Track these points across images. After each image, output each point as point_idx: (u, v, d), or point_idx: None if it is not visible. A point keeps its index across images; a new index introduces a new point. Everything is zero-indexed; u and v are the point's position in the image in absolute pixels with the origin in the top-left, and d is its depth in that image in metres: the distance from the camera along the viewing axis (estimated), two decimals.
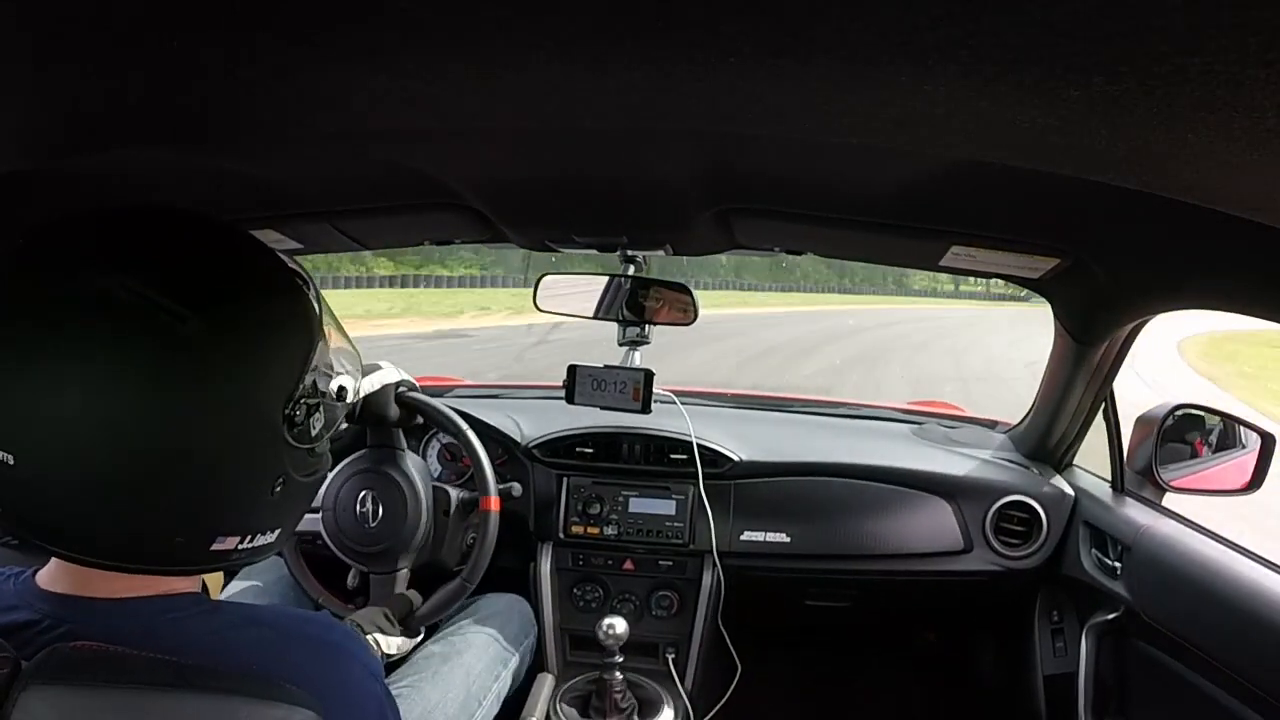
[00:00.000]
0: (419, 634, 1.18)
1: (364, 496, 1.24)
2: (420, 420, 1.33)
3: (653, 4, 0.39)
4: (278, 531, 0.58)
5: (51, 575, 0.55)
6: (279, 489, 0.55)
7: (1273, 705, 0.88)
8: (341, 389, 0.61)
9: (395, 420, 1.28)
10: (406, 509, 1.25)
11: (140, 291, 0.48)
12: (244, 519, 0.55)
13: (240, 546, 0.55)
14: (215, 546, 0.53)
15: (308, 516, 1.26)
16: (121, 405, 0.48)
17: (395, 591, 1.22)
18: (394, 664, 1.15)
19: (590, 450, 1.47)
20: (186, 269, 0.51)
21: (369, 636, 1.04)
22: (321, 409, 0.57)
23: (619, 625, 1.21)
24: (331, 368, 0.59)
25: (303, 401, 0.54)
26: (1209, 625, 0.97)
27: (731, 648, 1.43)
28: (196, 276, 0.51)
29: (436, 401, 1.30)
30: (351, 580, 1.30)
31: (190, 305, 0.49)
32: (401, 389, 1.29)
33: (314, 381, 0.56)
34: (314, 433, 0.57)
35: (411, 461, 1.30)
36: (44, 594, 0.54)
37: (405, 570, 1.25)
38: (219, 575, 1.01)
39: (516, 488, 1.43)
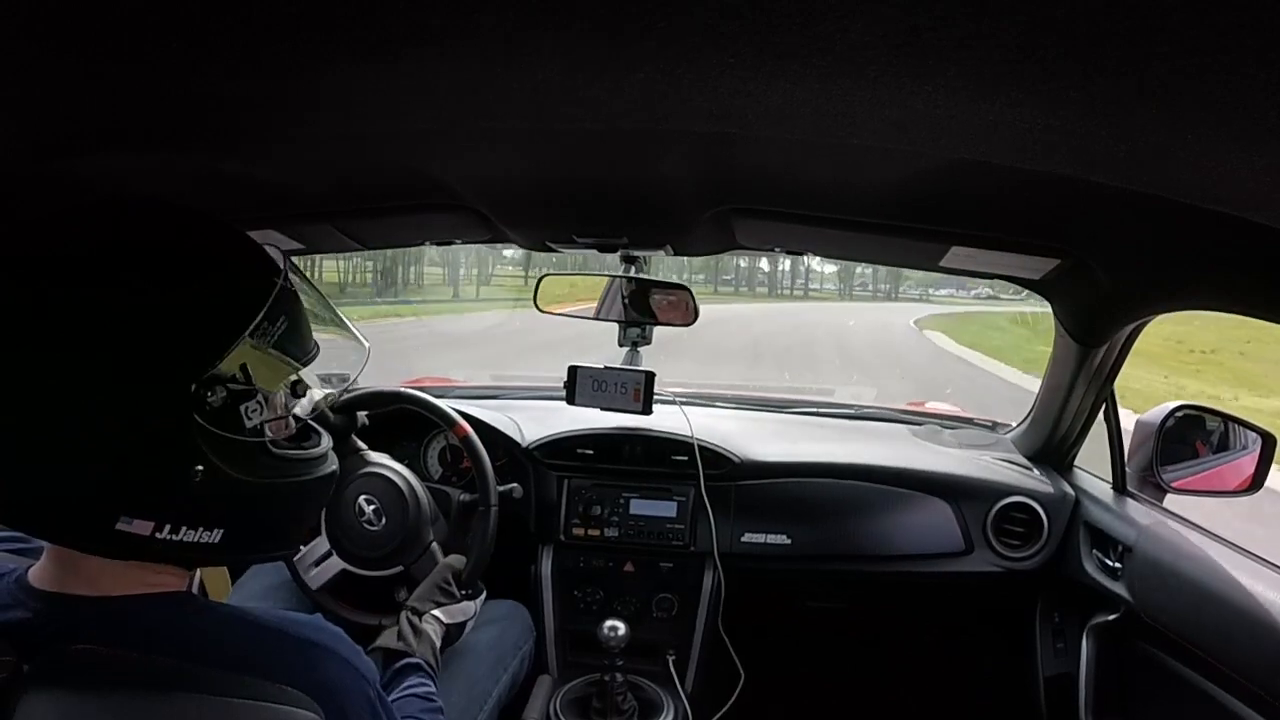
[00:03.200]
0: (481, 589, 1.17)
1: (358, 505, 1.23)
2: (365, 421, 1.32)
3: (654, 5, 0.39)
4: (220, 533, 0.54)
5: (40, 573, 0.55)
6: (200, 478, 0.51)
7: (1273, 705, 0.88)
8: (297, 383, 0.58)
9: (344, 428, 1.26)
10: (401, 492, 1.24)
11: (45, 262, 0.49)
12: (153, 503, 0.51)
13: (159, 535, 0.51)
14: (120, 526, 0.50)
15: (328, 562, 1.24)
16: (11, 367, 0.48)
17: (438, 564, 1.21)
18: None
19: (591, 452, 1.47)
20: (96, 241, 0.51)
21: (430, 614, 1.03)
22: (260, 401, 0.54)
23: (621, 627, 1.20)
24: (287, 363, 0.57)
25: (224, 386, 0.51)
26: (1210, 626, 0.97)
27: (732, 650, 1.43)
28: (105, 247, 0.50)
29: (364, 388, 1.29)
30: (399, 595, 1.28)
31: (86, 273, 0.49)
32: (329, 399, 1.28)
33: (244, 368, 0.52)
34: (248, 424, 0.53)
35: (376, 455, 1.29)
36: (35, 592, 0.54)
37: (434, 543, 1.24)
38: (225, 578, 0.99)
39: (517, 489, 1.43)
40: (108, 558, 0.53)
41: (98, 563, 0.53)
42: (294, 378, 0.58)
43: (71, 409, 0.48)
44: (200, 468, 0.51)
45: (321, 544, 1.24)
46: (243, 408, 0.53)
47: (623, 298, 1.37)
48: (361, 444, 1.28)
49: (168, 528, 0.52)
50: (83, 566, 0.54)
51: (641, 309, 1.38)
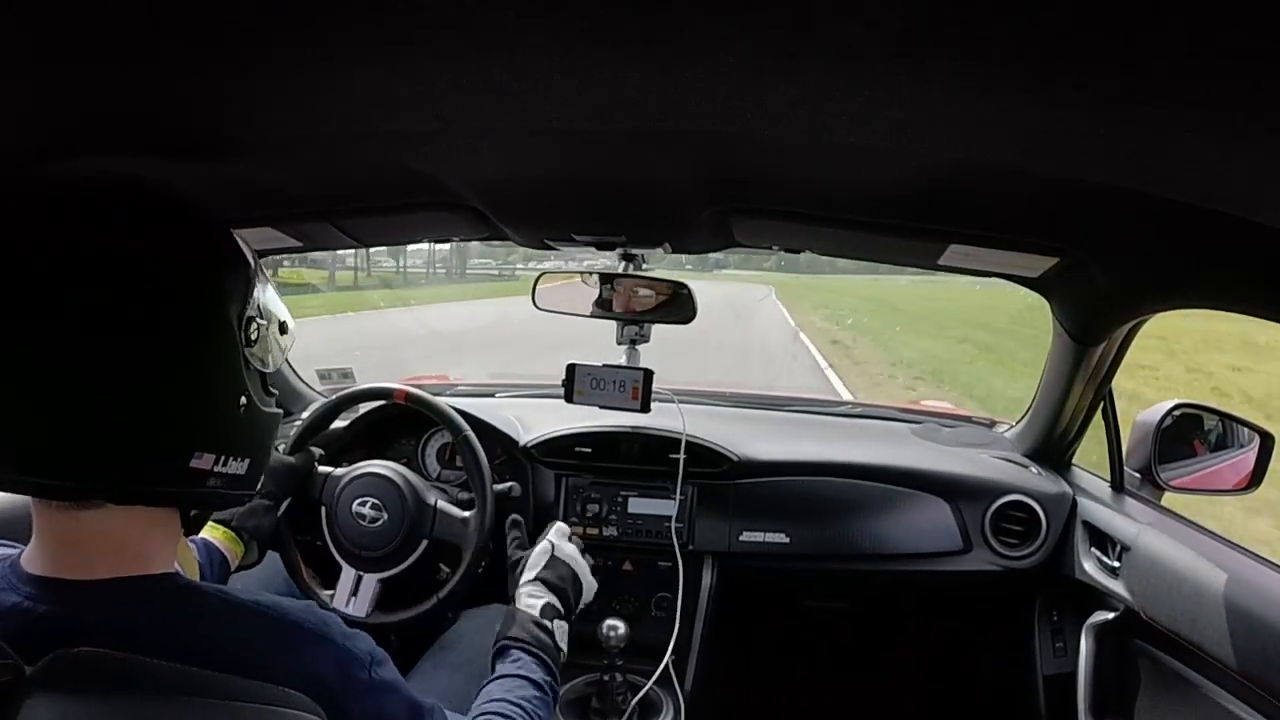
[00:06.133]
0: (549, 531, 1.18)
1: (355, 511, 1.23)
2: (320, 453, 1.31)
3: (652, 5, 0.39)
4: (248, 461, 0.62)
5: (31, 557, 0.56)
6: (244, 410, 0.60)
7: (1273, 704, 0.88)
8: (283, 323, 0.66)
9: (305, 466, 1.26)
10: (385, 478, 1.25)
11: (98, 254, 0.53)
12: (216, 435, 0.58)
13: (216, 469, 0.58)
14: (194, 463, 0.57)
15: (361, 588, 1.25)
16: (99, 346, 0.52)
17: (455, 519, 1.25)
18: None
19: (589, 450, 1.46)
20: (128, 226, 0.55)
21: (522, 589, 1.03)
22: (271, 336, 0.64)
23: (620, 626, 1.20)
24: (273, 307, 0.65)
25: (255, 322, 0.60)
26: (1208, 624, 0.97)
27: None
28: (140, 230, 0.55)
29: (297, 425, 1.30)
30: (441, 572, 1.30)
31: (156, 270, 0.54)
32: (282, 451, 1.27)
33: (260, 307, 0.61)
34: (265, 358, 0.63)
35: (342, 469, 1.29)
36: (27, 577, 0.55)
37: (440, 501, 1.27)
38: (193, 559, 0.99)
39: (515, 488, 1.43)
40: (172, 506, 0.60)
41: (95, 539, 0.55)
42: (281, 318, 0.66)
43: (157, 374, 0.54)
44: (244, 400, 0.60)
45: (346, 577, 1.24)
46: (263, 343, 0.62)
47: (620, 295, 1.37)
48: (325, 468, 1.28)
49: (222, 459, 0.59)
50: (80, 544, 0.55)
51: (639, 307, 1.38)
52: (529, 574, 1.04)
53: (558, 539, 1.09)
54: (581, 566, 1.07)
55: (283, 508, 1.21)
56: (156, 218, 0.56)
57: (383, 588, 1.24)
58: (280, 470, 1.21)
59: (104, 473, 0.54)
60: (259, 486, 0.66)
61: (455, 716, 0.74)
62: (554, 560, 1.06)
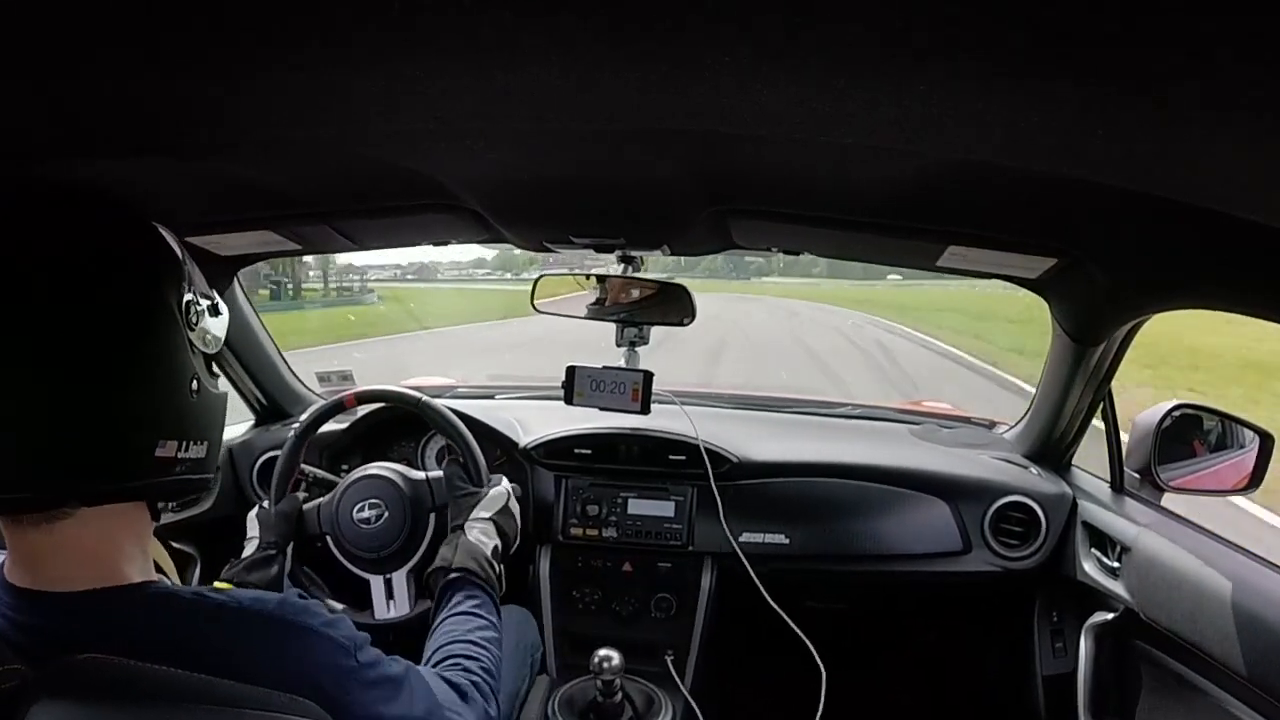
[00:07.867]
0: (494, 478, 1.20)
1: (355, 517, 1.23)
2: (305, 494, 1.31)
3: (651, 6, 0.39)
4: (206, 443, 0.63)
5: (9, 566, 0.56)
6: (196, 394, 0.60)
7: (1272, 705, 0.88)
8: (214, 304, 0.67)
9: (293, 509, 1.25)
10: (377, 476, 1.25)
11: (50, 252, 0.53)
12: (176, 422, 0.59)
13: (180, 455, 0.59)
14: (159, 453, 0.57)
15: (395, 589, 1.24)
16: (61, 336, 0.52)
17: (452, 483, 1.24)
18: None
19: (588, 452, 1.46)
20: (70, 226, 0.55)
21: (469, 522, 1.07)
22: (206, 320, 0.64)
23: (615, 657, 1.18)
24: (203, 289, 0.66)
25: (194, 306, 0.61)
26: (1208, 625, 0.97)
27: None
28: (77, 229, 0.56)
29: (278, 465, 1.30)
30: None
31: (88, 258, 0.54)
32: (267, 507, 1.26)
33: (195, 291, 0.62)
34: (206, 339, 0.64)
35: (330, 494, 1.29)
36: (10, 588, 0.55)
37: (429, 474, 1.28)
38: (168, 560, 0.99)
39: (515, 489, 1.43)
40: (141, 500, 0.60)
41: (71, 551, 0.55)
42: (208, 301, 0.66)
43: (123, 373, 0.55)
44: (195, 385, 0.60)
45: (376, 586, 1.24)
46: (203, 325, 0.63)
47: (619, 297, 1.37)
48: (311, 504, 1.28)
49: (184, 444, 0.59)
50: (57, 557, 0.55)
51: (638, 309, 1.38)
52: (483, 512, 1.08)
53: (510, 488, 1.16)
54: (518, 519, 1.15)
55: (288, 555, 1.20)
56: (101, 217, 0.57)
57: (414, 579, 1.24)
58: (274, 520, 1.22)
59: (78, 475, 0.53)
60: (217, 468, 0.67)
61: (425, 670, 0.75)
62: (507, 509, 1.12)
